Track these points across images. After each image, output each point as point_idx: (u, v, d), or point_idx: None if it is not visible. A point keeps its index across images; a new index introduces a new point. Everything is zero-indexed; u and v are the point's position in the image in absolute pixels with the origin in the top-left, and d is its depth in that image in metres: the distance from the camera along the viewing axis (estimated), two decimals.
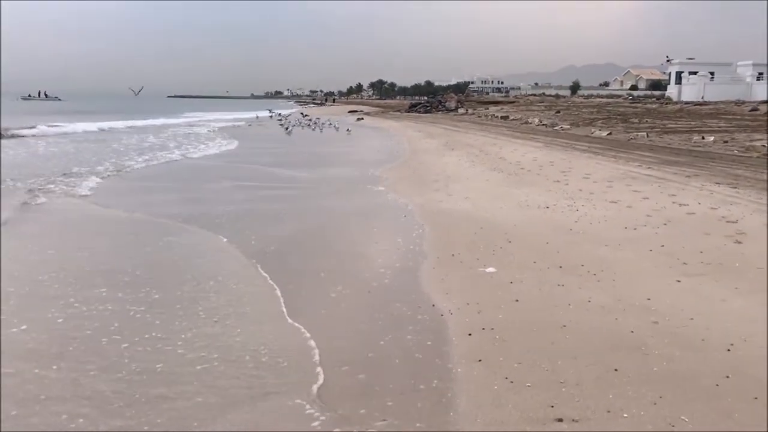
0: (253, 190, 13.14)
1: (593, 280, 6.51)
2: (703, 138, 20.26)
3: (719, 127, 25.11)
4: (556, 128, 29.07)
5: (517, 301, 5.94)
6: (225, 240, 8.53)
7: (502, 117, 39.93)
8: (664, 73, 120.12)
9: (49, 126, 31.39)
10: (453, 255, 7.63)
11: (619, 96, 78.12)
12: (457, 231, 8.93)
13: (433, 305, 5.86)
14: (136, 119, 43.22)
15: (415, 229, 9.08)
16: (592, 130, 26.86)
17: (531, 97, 68.78)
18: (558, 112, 40.29)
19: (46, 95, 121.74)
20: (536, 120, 34.68)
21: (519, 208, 10.51)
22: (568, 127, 28.96)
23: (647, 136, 22.83)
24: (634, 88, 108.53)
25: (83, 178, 14.34)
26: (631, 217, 9.47)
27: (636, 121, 29.68)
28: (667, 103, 42.43)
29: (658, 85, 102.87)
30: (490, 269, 6.97)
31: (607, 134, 24.48)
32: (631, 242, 8.00)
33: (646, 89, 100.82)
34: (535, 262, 7.19)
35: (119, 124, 37.19)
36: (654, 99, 54.42)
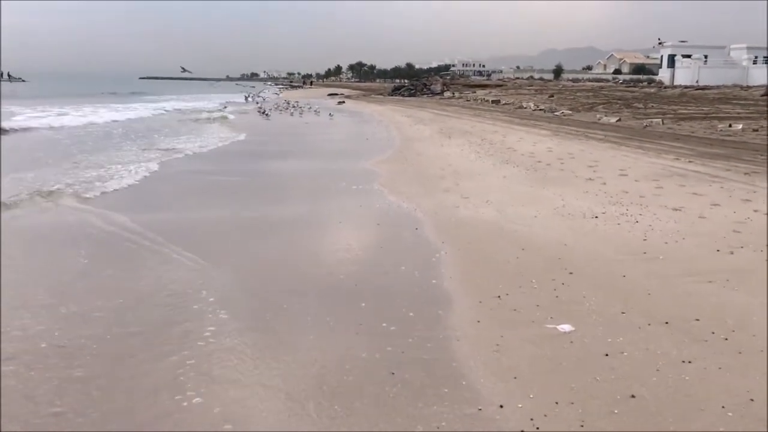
0: (220, 193, 10.72)
1: (730, 351, 4.27)
2: (730, 126, 18.18)
3: (737, 113, 23.12)
4: (556, 113, 26.89)
5: (633, 397, 3.68)
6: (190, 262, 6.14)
7: (493, 101, 37.67)
8: (648, 57, 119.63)
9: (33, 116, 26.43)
10: (499, 298, 5.34)
11: (604, 80, 76.28)
12: (492, 254, 6.65)
13: (497, 416, 3.54)
14: (116, 106, 38.83)
15: (431, 251, 6.78)
16: (597, 115, 24.72)
17: (519, 81, 66.52)
18: (551, 96, 38.13)
19: (9, 76, 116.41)
20: (531, 105, 32.48)
21: (559, 217, 8.25)
22: (570, 112, 26.81)
23: (662, 122, 20.72)
24: (617, 72, 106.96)
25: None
26: (714, 232, 7.26)
27: (641, 106, 27.61)
28: (665, 87, 40.57)
29: (642, 69, 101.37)
30: (565, 327, 4.69)
31: (617, 120, 22.35)
32: (738, 274, 5.79)
33: (630, 73, 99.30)
34: (623, 313, 4.94)
35: (106, 115, 29.99)
36: (645, 83, 52.52)
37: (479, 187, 10.46)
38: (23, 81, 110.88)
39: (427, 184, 10.91)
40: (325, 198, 9.85)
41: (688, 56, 53.74)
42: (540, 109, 29.91)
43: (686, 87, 38.21)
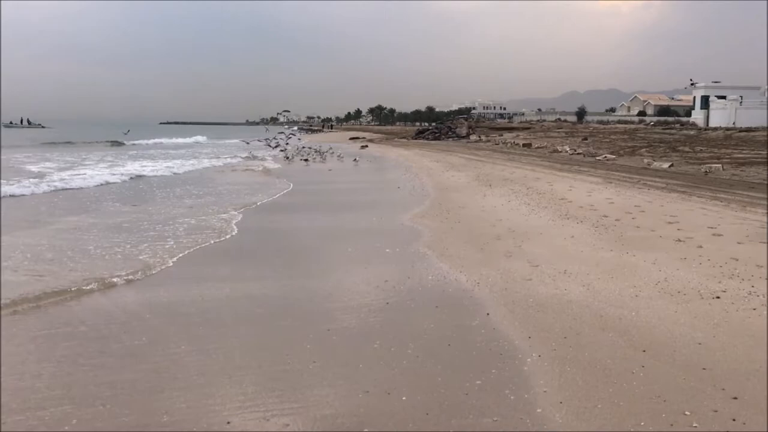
0: (240, 264, 9.07)
1: None
2: None
3: None
4: (598, 158, 25.09)
5: None
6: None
7: (524, 144, 36.02)
8: (672, 98, 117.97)
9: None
10: None
11: (630, 122, 74.50)
12: (605, 360, 4.82)
13: None
14: (142, 155, 37.51)
15: (519, 358, 4.97)
16: (645, 160, 22.90)
17: (546, 123, 64.97)
18: (585, 139, 36.40)
19: (29, 122, 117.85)
20: (567, 148, 30.77)
21: (668, 296, 6.40)
22: (613, 157, 25.01)
23: (722, 168, 18.83)
24: (642, 113, 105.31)
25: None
26: None
27: (688, 150, 25.73)
28: (706, 129, 38.65)
29: (667, 111, 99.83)
30: None
31: (669, 166, 20.51)
32: None
33: (654, 115, 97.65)
34: None
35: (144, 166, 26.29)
36: (679, 125, 50.63)
37: (547, 251, 8.65)
38: (42, 127, 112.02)
39: (483, 246, 9.12)
40: (361, 267, 8.09)
41: (723, 97, 51.94)
42: (578, 153, 28.17)
43: (728, 129, 36.23)
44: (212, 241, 9.85)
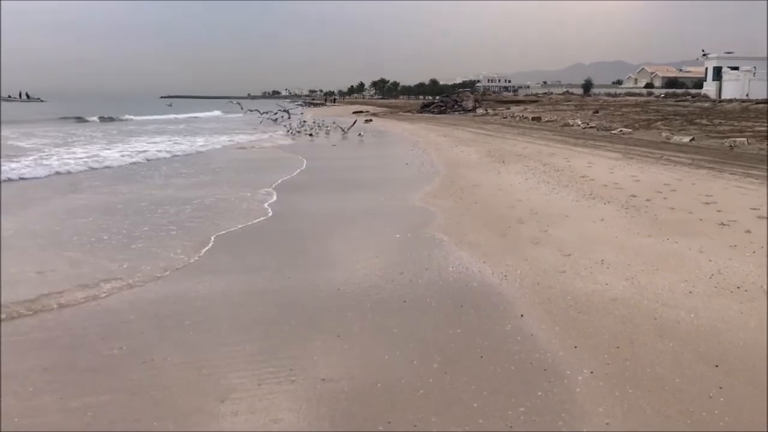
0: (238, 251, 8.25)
1: None
2: None
3: None
4: (613, 132, 24.07)
5: None
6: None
7: (533, 118, 34.91)
8: (681, 70, 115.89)
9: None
10: None
11: (638, 94, 73.02)
12: (672, 377, 4.03)
13: None
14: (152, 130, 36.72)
15: (568, 378, 4.16)
16: (663, 134, 21.90)
17: (554, 96, 63.62)
18: (596, 112, 35.27)
19: (27, 96, 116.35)
20: (579, 121, 29.70)
21: (727, 293, 5.58)
22: (629, 130, 23.99)
23: (747, 142, 17.86)
24: (649, 85, 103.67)
25: None
26: None
27: (706, 122, 24.69)
28: (720, 101, 37.47)
29: (675, 83, 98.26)
30: None
31: (690, 140, 19.51)
32: None
33: (662, 86, 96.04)
34: None
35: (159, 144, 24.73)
36: (691, 97, 49.34)
37: (577, 237, 7.80)
38: (42, 101, 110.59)
39: (504, 231, 8.28)
40: (373, 255, 7.26)
41: (736, 68, 50.50)
42: (591, 127, 27.12)
43: (743, 101, 35.08)
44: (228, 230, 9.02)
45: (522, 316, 5.19)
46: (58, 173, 15.37)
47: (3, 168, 14.60)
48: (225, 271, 6.74)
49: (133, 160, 18.58)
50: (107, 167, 16.95)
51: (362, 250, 7.52)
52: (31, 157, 18.42)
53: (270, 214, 9.99)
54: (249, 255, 7.48)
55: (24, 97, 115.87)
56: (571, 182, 12.25)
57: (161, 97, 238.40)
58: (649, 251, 7.03)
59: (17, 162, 16.78)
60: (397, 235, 8.28)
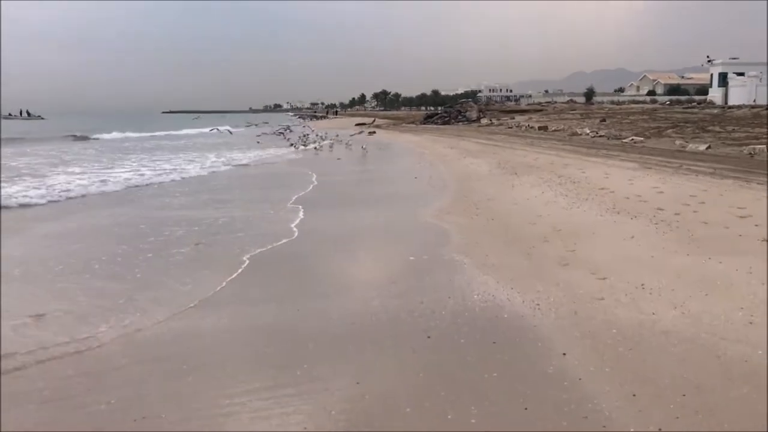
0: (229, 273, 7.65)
1: None
2: None
3: None
4: (624, 140, 23.48)
5: None
6: None
7: (540, 128, 34.35)
8: (683, 77, 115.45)
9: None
10: None
11: (642, 101, 72.58)
12: None
13: None
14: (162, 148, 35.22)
15: None
16: (677, 142, 21.31)
17: (558, 105, 63.11)
18: (603, 120, 34.72)
19: (28, 114, 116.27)
20: (587, 130, 29.14)
21: None
22: (641, 139, 23.40)
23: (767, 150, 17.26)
24: (652, 93, 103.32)
25: None
26: None
27: (718, 129, 24.12)
28: (730, 108, 36.92)
29: (677, 90, 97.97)
30: None
31: (706, 148, 18.92)
32: None
33: (664, 94, 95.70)
34: None
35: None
36: (696, 103, 48.80)
37: (609, 256, 7.20)
38: (42, 119, 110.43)
39: (529, 251, 7.67)
40: (387, 281, 6.66)
41: (741, 74, 49.98)
42: (600, 136, 26.54)
43: (753, 107, 34.54)
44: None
45: (564, 354, 4.58)
46: (54, 201, 14.38)
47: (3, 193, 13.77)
48: (228, 302, 6.15)
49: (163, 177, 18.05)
50: (141, 185, 16.32)
51: (377, 275, 6.93)
52: (28, 181, 17.83)
53: (283, 241, 9.40)
54: (253, 287, 6.90)
55: (24, 114, 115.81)
56: (591, 195, 11.65)
57: (163, 112, 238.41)
58: (691, 273, 6.41)
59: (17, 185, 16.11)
60: (412, 257, 7.68)
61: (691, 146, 19.64)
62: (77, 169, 20.18)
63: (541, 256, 7.46)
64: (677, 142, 21.16)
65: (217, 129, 37.40)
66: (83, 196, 14.50)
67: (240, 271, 7.32)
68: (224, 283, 6.79)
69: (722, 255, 6.99)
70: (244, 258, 7.88)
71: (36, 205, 13.00)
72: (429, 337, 5.05)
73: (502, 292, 6.10)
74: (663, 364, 4.34)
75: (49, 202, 13.39)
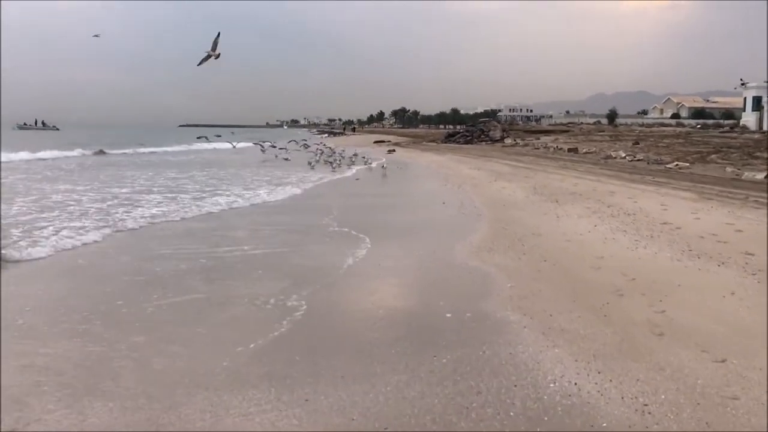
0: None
1: None
2: None
3: None
4: (668, 166, 21.73)
5: None
6: None
7: (569, 149, 32.62)
8: (708, 100, 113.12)
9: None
10: None
11: (667, 124, 70.66)
12: None
13: None
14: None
15: None
16: (728, 169, 19.53)
17: (586, 126, 61.35)
18: (636, 143, 32.94)
19: (44, 124, 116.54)
20: (621, 153, 27.40)
21: None
22: (686, 164, 21.63)
23: None
24: (676, 116, 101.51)
25: None
26: None
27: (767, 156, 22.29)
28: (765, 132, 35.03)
29: (702, 113, 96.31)
30: None
31: (765, 177, 17.14)
32: None
33: (689, 117, 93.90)
34: None
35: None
36: (730, 128, 46.83)
37: (716, 324, 5.52)
38: (57, 129, 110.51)
39: (604, 310, 6.01)
40: (430, 353, 5.02)
41: None
42: (638, 160, 24.80)
43: None
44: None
45: None
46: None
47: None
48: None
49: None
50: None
51: (405, 344, 5.29)
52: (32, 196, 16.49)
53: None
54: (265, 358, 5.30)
55: (40, 124, 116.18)
56: (654, 231, 9.97)
57: (180, 126, 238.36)
58: None
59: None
60: (449, 315, 6.07)
61: (746, 174, 17.86)
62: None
63: (623, 318, 5.79)
64: (728, 169, 19.39)
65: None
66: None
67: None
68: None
69: None
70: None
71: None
72: None
73: (588, 380, 4.45)
74: None
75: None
